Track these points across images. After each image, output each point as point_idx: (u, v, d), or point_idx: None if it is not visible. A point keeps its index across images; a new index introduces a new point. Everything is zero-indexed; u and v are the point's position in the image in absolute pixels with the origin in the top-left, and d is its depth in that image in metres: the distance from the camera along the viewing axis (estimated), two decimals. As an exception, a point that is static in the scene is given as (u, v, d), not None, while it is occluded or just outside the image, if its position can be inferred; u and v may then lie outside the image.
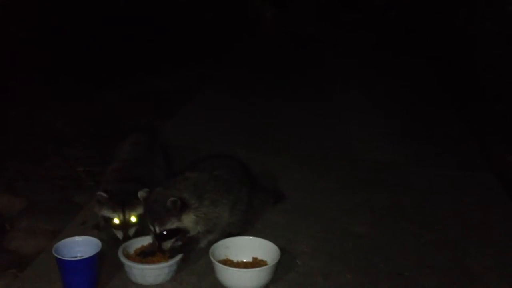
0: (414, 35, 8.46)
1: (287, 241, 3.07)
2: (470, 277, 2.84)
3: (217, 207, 2.89)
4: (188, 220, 2.76)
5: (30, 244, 3.07)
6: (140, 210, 2.85)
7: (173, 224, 2.71)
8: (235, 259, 2.82)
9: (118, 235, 2.87)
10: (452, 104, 5.70)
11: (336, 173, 4.02)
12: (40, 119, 4.96)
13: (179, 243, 2.78)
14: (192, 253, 2.85)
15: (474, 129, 4.98)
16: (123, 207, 2.85)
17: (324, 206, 3.52)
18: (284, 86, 6.21)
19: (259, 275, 2.64)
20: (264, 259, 2.79)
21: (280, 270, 2.77)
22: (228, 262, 2.77)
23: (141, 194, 2.78)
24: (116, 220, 2.86)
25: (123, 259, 2.68)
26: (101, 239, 2.66)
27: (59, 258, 2.49)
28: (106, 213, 2.87)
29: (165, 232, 2.71)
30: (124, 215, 2.85)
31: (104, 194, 2.84)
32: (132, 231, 2.88)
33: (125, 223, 2.86)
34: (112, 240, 2.87)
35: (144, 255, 2.74)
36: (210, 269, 2.73)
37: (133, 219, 2.88)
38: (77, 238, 2.67)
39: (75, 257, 2.59)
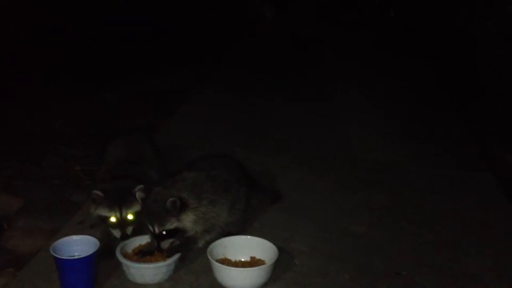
0: (414, 35, 8.46)
1: (285, 240, 3.07)
2: (469, 277, 2.84)
3: (216, 207, 2.89)
4: (187, 220, 2.76)
5: (27, 243, 3.06)
6: (136, 208, 2.84)
7: (172, 224, 2.71)
8: (233, 258, 2.82)
9: (115, 234, 2.85)
10: (452, 104, 5.69)
11: (335, 173, 4.02)
12: (40, 119, 4.95)
13: (177, 242, 2.78)
14: (190, 252, 2.85)
15: (474, 129, 4.97)
16: (120, 205, 2.82)
17: (323, 206, 3.52)
18: (284, 86, 6.21)
19: (257, 274, 2.64)
20: (262, 258, 2.79)
21: (278, 269, 2.76)
22: (226, 261, 2.77)
23: (139, 194, 2.78)
24: (113, 219, 2.84)
25: (121, 258, 2.68)
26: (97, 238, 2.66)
27: (57, 257, 2.49)
28: (102, 212, 2.84)
29: (164, 232, 2.70)
30: (121, 213, 2.83)
31: (99, 193, 2.82)
32: (129, 229, 2.86)
33: (122, 222, 2.84)
34: (108, 239, 2.87)
35: (142, 254, 2.74)
36: (208, 268, 2.72)
37: (130, 217, 2.85)
38: (74, 237, 2.67)
39: (73, 256, 2.59)
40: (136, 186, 2.83)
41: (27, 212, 3.36)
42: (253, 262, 2.79)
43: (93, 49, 6.45)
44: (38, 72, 5.81)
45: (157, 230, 2.69)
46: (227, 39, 8.21)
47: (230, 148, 4.13)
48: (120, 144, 3.37)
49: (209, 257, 2.67)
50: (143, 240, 2.84)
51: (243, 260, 2.82)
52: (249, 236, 2.91)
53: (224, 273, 2.64)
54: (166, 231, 2.70)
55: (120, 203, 2.83)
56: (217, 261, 2.68)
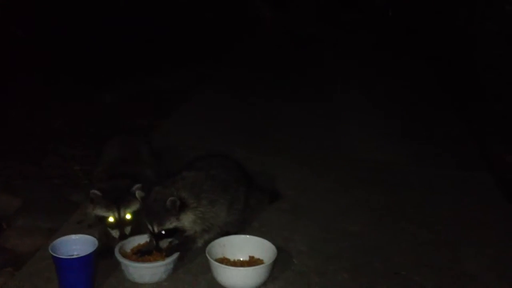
0: (414, 35, 8.46)
1: (284, 240, 3.07)
2: (468, 276, 2.84)
3: (215, 206, 2.89)
4: (186, 220, 2.76)
5: (26, 242, 3.06)
6: (134, 207, 2.83)
7: (171, 224, 2.71)
8: (231, 257, 2.82)
9: (114, 234, 2.84)
10: (452, 104, 5.70)
11: (335, 173, 4.02)
12: (40, 119, 4.95)
13: (176, 242, 2.78)
14: (189, 252, 2.85)
15: (474, 129, 4.98)
16: (118, 205, 2.81)
17: (322, 206, 3.53)
18: (284, 86, 6.22)
19: (255, 273, 2.64)
20: (261, 257, 2.79)
21: (277, 268, 2.77)
22: (224, 261, 2.78)
23: (139, 193, 2.78)
24: (111, 219, 2.82)
25: (120, 258, 2.68)
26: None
27: (56, 257, 2.49)
28: (100, 212, 2.83)
29: (163, 232, 2.70)
30: (119, 213, 2.81)
31: (97, 192, 2.80)
32: (128, 229, 2.85)
33: (121, 221, 2.83)
34: (107, 239, 2.86)
35: (141, 254, 2.74)
36: (206, 268, 2.72)
37: (128, 216, 2.84)
38: (73, 236, 2.67)
39: (72, 255, 2.58)
40: (133, 185, 2.82)
41: (26, 212, 3.36)
42: (252, 262, 2.79)
43: (93, 49, 6.44)
44: (38, 72, 5.81)
45: (156, 230, 2.69)
46: (227, 39, 8.20)
47: (230, 148, 4.12)
48: (117, 144, 3.37)
49: (208, 257, 2.67)
50: (142, 239, 2.84)
51: (242, 259, 2.82)
52: (248, 236, 2.91)
53: (223, 273, 2.64)
54: (165, 230, 2.70)
55: (118, 203, 2.81)
56: (216, 260, 2.69)
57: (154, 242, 2.71)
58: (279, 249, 2.77)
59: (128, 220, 2.84)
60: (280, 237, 3.09)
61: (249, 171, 3.45)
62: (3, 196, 3.50)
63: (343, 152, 4.46)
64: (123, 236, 2.82)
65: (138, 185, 2.82)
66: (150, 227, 2.70)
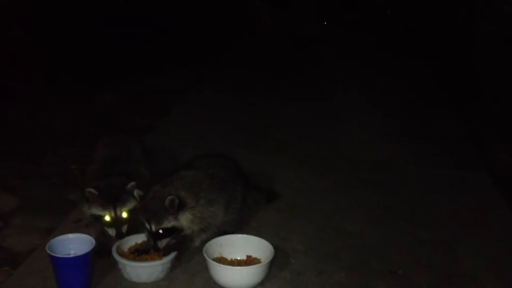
0: (413, 35, 8.47)
1: (281, 239, 3.08)
2: (465, 276, 2.85)
3: (213, 206, 2.90)
4: (184, 219, 2.77)
5: (24, 241, 3.06)
6: (130, 206, 2.84)
7: (169, 223, 2.72)
8: (229, 257, 2.82)
9: (110, 233, 2.84)
10: (450, 104, 5.70)
11: (334, 173, 4.03)
12: (40, 119, 4.96)
13: (174, 241, 2.78)
14: (186, 251, 2.85)
15: (472, 129, 4.98)
16: (114, 203, 2.81)
17: (320, 205, 3.53)
18: (284, 86, 6.23)
19: (253, 272, 2.65)
20: (258, 257, 2.80)
21: (274, 268, 2.77)
22: (222, 260, 2.78)
23: (137, 192, 2.78)
24: (108, 218, 2.82)
25: (117, 257, 2.68)
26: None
27: (53, 255, 2.50)
28: (96, 211, 2.82)
29: (161, 231, 2.71)
30: (115, 212, 2.81)
31: (93, 191, 2.80)
32: (124, 228, 2.84)
33: (117, 220, 2.83)
34: (104, 238, 2.87)
35: (138, 253, 2.75)
36: (204, 267, 2.73)
37: (124, 215, 2.84)
38: (70, 235, 2.68)
39: (69, 254, 2.59)
40: (128, 183, 2.83)
41: (24, 210, 3.37)
42: (249, 261, 2.80)
43: (93, 49, 6.45)
44: (38, 72, 5.82)
45: (154, 228, 2.70)
46: (227, 39, 8.21)
47: (230, 148, 4.14)
48: (108, 143, 3.36)
49: (205, 256, 2.67)
50: (139, 238, 2.85)
51: (239, 258, 2.82)
52: (245, 235, 2.91)
53: (220, 272, 2.64)
54: (163, 229, 2.71)
55: (114, 201, 2.81)
56: (213, 259, 2.69)
57: (152, 241, 2.72)
58: (276, 248, 2.77)
59: (124, 218, 2.84)
60: (278, 236, 3.09)
61: (248, 170, 3.47)
62: (0, 195, 3.51)
63: (343, 152, 4.47)
64: (120, 235, 2.82)
65: (133, 183, 2.82)
66: (148, 226, 2.71)
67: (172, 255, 2.74)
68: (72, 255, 2.57)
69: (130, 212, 2.84)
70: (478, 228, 3.33)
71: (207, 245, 2.77)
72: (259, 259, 2.77)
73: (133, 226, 2.86)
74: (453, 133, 4.91)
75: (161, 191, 2.76)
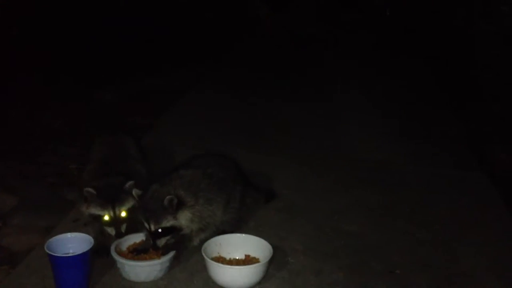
0: (413, 35, 8.47)
1: (280, 239, 3.08)
2: (464, 275, 2.85)
3: (212, 205, 2.90)
4: (183, 218, 2.77)
5: (22, 240, 3.07)
6: (129, 204, 2.83)
7: (168, 222, 2.72)
8: (227, 256, 2.82)
9: (110, 232, 2.83)
10: (449, 104, 5.70)
11: (333, 173, 4.03)
12: (40, 119, 4.96)
13: (172, 240, 2.78)
14: (185, 250, 2.86)
15: (471, 129, 4.98)
16: (113, 203, 2.80)
17: (319, 205, 3.53)
18: (284, 86, 6.22)
19: (251, 272, 2.65)
20: (257, 256, 2.80)
21: (273, 267, 2.78)
22: (220, 259, 2.78)
23: (136, 191, 2.78)
24: (107, 217, 2.81)
25: (116, 256, 2.68)
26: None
27: (51, 255, 2.50)
28: (95, 211, 2.81)
29: (160, 230, 2.71)
30: (114, 211, 2.80)
31: (92, 190, 2.79)
32: (123, 227, 2.84)
33: (116, 219, 2.82)
34: (101, 237, 2.87)
35: (137, 252, 2.75)
36: (202, 266, 2.73)
37: (123, 214, 2.83)
38: (69, 234, 2.67)
39: (67, 253, 2.59)
40: (126, 182, 2.83)
41: (22, 210, 3.37)
42: (248, 260, 2.80)
43: (93, 49, 6.46)
44: (38, 72, 5.82)
45: (153, 228, 2.70)
46: (227, 39, 8.21)
47: (229, 147, 4.13)
48: (104, 142, 3.35)
49: (204, 255, 2.67)
50: (138, 238, 2.85)
51: (237, 258, 2.82)
52: (244, 235, 2.91)
53: (219, 271, 2.65)
54: (162, 229, 2.71)
55: (113, 201, 2.80)
56: (212, 259, 2.69)
57: (151, 240, 2.72)
58: (275, 248, 2.77)
59: (123, 217, 2.83)
60: (276, 236, 3.09)
61: (248, 170, 3.47)
62: (-1, 194, 3.54)
63: (342, 152, 4.46)
64: (119, 234, 2.82)
65: (131, 182, 2.82)
66: (147, 225, 2.71)
67: (171, 254, 2.74)
68: (70, 254, 2.56)
69: (128, 211, 2.84)
70: (478, 228, 3.32)
71: (206, 244, 2.77)
72: (258, 259, 2.77)
73: (132, 225, 2.86)
74: (452, 133, 4.91)
75: (160, 190, 2.76)
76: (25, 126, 4.81)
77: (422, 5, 9.15)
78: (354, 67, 7.12)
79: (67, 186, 3.68)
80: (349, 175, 4.00)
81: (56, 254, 2.51)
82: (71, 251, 2.62)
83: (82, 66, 6.11)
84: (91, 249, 2.56)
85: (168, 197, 2.69)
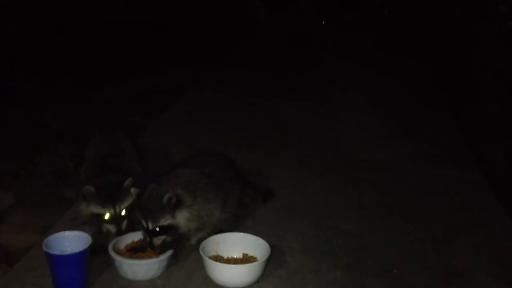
0: (412, 35, 8.48)
1: (278, 237, 3.08)
2: (460, 275, 2.85)
3: (210, 204, 2.91)
4: (181, 218, 2.78)
5: (20, 239, 3.08)
6: (128, 202, 2.83)
7: (166, 221, 2.73)
8: (225, 255, 2.83)
9: (111, 229, 2.84)
10: (448, 104, 5.70)
11: (332, 172, 4.03)
12: (40, 119, 4.97)
13: (170, 239, 2.79)
14: (183, 249, 2.86)
15: (470, 129, 4.98)
16: (113, 201, 2.80)
17: (317, 204, 3.54)
18: (283, 86, 6.23)
19: (249, 271, 2.66)
20: (254, 255, 2.80)
21: (270, 266, 2.78)
22: (218, 258, 2.79)
23: (134, 190, 2.79)
24: (107, 215, 2.82)
25: (114, 255, 2.69)
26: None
27: (49, 253, 2.50)
28: (95, 209, 2.82)
29: (157, 229, 2.72)
30: (114, 209, 2.81)
31: (91, 189, 2.78)
32: (124, 224, 2.84)
33: (117, 217, 2.82)
34: (100, 236, 2.88)
35: (135, 251, 2.76)
36: (200, 265, 2.73)
37: (124, 211, 2.84)
38: (67, 233, 2.68)
39: (65, 252, 2.59)
40: (125, 180, 2.83)
41: (20, 208, 3.38)
42: (245, 259, 2.81)
43: (93, 49, 6.47)
44: (38, 72, 5.83)
45: (150, 226, 2.71)
46: (227, 39, 8.22)
47: (229, 147, 4.13)
48: (99, 141, 3.35)
49: (202, 254, 2.68)
50: (136, 236, 2.85)
51: (235, 257, 2.83)
52: (241, 233, 2.92)
53: (217, 270, 2.65)
54: (159, 227, 2.72)
55: (113, 199, 2.80)
56: (210, 258, 2.70)
57: (148, 239, 2.73)
58: (272, 247, 2.78)
59: (123, 215, 2.84)
60: (274, 235, 3.10)
61: (247, 170, 3.49)
62: (-4, 193, 3.55)
63: (341, 152, 4.46)
64: (120, 231, 2.83)
65: (130, 179, 2.82)
66: (144, 223, 2.72)
67: (169, 253, 2.74)
68: (68, 253, 2.56)
69: (128, 209, 2.84)
70: (475, 228, 3.33)
71: (204, 243, 2.78)
72: (256, 258, 2.78)
73: (130, 223, 2.87)
74: (451, 133, 4.91)
75: (158, 189, 2.77)
76: (25, 126, 4.82)
77: (421, 5, 9.15)
78: (353, 67, 7.13)
79: (64, 185, 3.68)
80: (348, 175, 4.00)
81: (54, 253, 2.52)
82: (69, 249, 2.61)
83: (82, 66, 6.11)
84: (88, 247, 2.56)
85: (167, 195, 2.70)
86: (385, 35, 8.93)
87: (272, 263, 2.79)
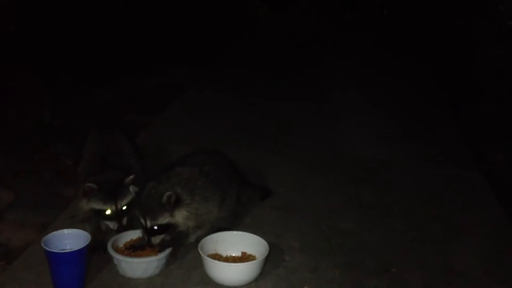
0: (412, 35, 8.48)
1: (276, 236, 3.08)
2: (458, 274, 2.86)
3: (208, 202, 2.91)
4: (179, 216, 2.78)
5: (19, 236, 3.08)
6: (129, 198, 2.84)
7: (165, 219, 2.73)
8: (224, 253, 2.83)
9: (112, 226, 2.85)
10: (448, 104, 5.70)
11: (332, 172, 4.03)
12: (40, 119, 4.97)
13: (168, 237, 2.79)
14: (182, 247, 2.87)
15: (469, 129, 4.98)
16: (115, 197, 2.81)
17: (316, 203, 3.54)
18: (283, 86, 6.23)
19: (247, 269, 2.66)
20: (253, 253, 2.81)
21: (269, 265, 2.78)
22: (217, 257, 2.79)
23: (133, 188, 2.79)
24: (109, 211, 2.83)
25: (112, 253, 2.69)
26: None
27: (48, 251, 2.50)
28: (97, 205, 2.82)
29: (156, 227, 2.72)
30: (116, 205, 2.82)
31: (93, 186, 2.79)
32: (125, 220, 2.86)
33: (118, 213, 2.83)
34: (98, 233, 2.89)
35: (134, 249, 2.76)
36: (199, 263, 2.73)
37: (125, 208, 2.85)
38: (66, 230, 2.67)
39: (64, 249, 2.59)
40: (126, 176, 2.84)
41: (19, 206, 3.39)
42: (244, 258, 2.81)
43: (93, 48, 6.47)
44: (38, 72, 5.83)
45: (149, 225, 2.71)
46: (227, 39, 8.22)
47: (229, 146, 4.13)
48: (97, 138, 3.35)
49: (200, 252, 2.68)
50: (135, 234, 2.85)
51: (234, 255, 2.83)
52: (240, 232, 2.92)
53: (215, 268, 2.66)
54: (158, 226, 2.72)
55: (114, 195, 2.81)
56: (208, 256, 2.70)
57: (147, 237, 2.73)
58: (271, 245, 2.77)
59: (124, 211, 2.85)
60: (273, 233, 3.10)
61: (247, 169, 3.49)
62: (-6, 190, 3.55)
63: (341, 152, 4.46)
64: (121, 227, 2.84)
65: (132, 176, 2.83)
66: (143, 221, 2.72)
67: (168, 251, 2.75)
68: (67, 250, 2.56)
69: (129, 205, 2.85)
70: (474, 228, 3.33)
71: (202, 241, 2.78)
72: (254, 256, 2.78)
73: (130, 221, 2.88)
74: (450, 133, 4.91)
75: (157, 187, 2.77)
76: (25, 125, 4.81)
77: (421, 5, 9.16)
78: (353, 67, 7.13)
79: (63, 183, 3.69)
80: (347, 174, 4.00)
81: (53, 250, 2.51)
82: (68, 247, 2.61)
83: (82, 66, 6.11)
84: (87, 245, 2.56)
85: (167, 193, 2.70)
86: (385, 35, 8.93)
87: (270, 262, 2.80)
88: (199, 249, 2.70)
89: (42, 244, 2.52)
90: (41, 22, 6.39)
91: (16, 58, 5.83)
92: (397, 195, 3.71)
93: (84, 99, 5.41)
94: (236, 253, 2.84)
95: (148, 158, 3.60)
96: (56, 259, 2.51)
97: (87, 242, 2.57)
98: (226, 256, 2.83)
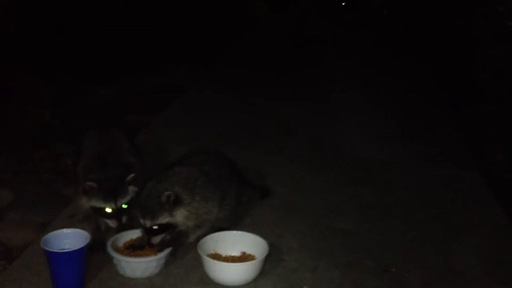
0: (412, 35, 8.48)
1: (276, 236, 3.08)
2: (457, 274, 2.86)
3: (208, 202, 2.91)
4: (179, 215, 2.78)
5: (18, 236, 3.08)
6: (129, 196, 2.84)
7: (164, 219, 2.73)
8: (223, 253, 2.83)
9: (111, 224, 2.85)
10: (448, 104, 5.70)
11: (331, 172, 4.03)
12: (40, 118, 4.97)
13: (168, 237, 2.79)
14: (181, 247, 2.86)
15: (469, 129, 4.98)
16: (115, 195, 2.81)
17: (316, 204, 3.54)
18: (283, 86, 6.23)
19: (247, 269, 2.66)
20: (253, 253, 2.81)
21: (268, 264, 2.78)
22: (216, 256, 2.79)
23: (132, 188, 2.80)
24: (109, 210, 2.82)
25: (112, 252, 2.69)
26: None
27: (48, 250, 2.50)
28: (97, 203, 2.82)
29: (155, 227, 2.72)
30: (116, 204, 2.81)
31: (93, 184, 2.79)
32: (125, 218, 2.85)
33: (118, 211, 2.83)
34: (98, 233, 2.88)
35: (133, 249, 2.76)
36: (198, 263, 2.74)
37: (125, 206, 2.84)
38: (65, 230, 2.67)
39: (63, 249, 2.59)
40: (127, 175, 2.83)
41: (18, 205, 3.39)
42: (244, 257, 2.81)
43: (93, 48, 6.48)
44: (38, 72, 5.83)
45: (148, 224, 2.71)
46: (227, 39, 8.22)
47: (229, 146, 4.13)
48: (95, 137, 3.35)
49: (200, 252, 2.68)
50: (135, 234, 2.85)
51: (233, 255, 2.83)
52: (240, 232, 2.92)
53: (215, 268, 2.66)
54: (158, 225, 2.72)
55: (115, 193, 2.81)
56: (208, 256, 2.70)
57: (146, 237, 2.73)
58: (270, 245, 2.77)
59: (124, 209, 2.85)
60: (272, 233, 3.10)
61: (246, 169, 3.49)
62: (-6, 190, 3.56)
63: (341, 152, 4.46)
64: (121, 226, 2.83)
65: (132, 175, 2.83)
66: (142, 221, 2.72)
67: (167, 250, 2.75)
68: (67, 250, 2.56)
69: (129, 203, 2.85)
70: (474, 228, 3.33)
71: (202, 241, 2.78)
72: (254, 256, 2.78)
73: (129, 221, 2.87)
74: (450, 133, 4.91)
75: (156, 187, 2.77)
76: (25, 125, 4.82)
77: (421, 5, 9.16)
78: (353, 67, 7.13)
79: (63, 182, 3.69)
80: (347, 174, 4.00)
81: (52, 250, 2.51)
82: (67, 246, 2.61)
83: (82, 66, 6.12)
84: (87, 245, 2.56)
85: (166, 193, 2.70)
86: (385, 35, 8.93)
87: (270, 262, 2.80)
88: (198, 248, 2.70)
89: (42, 244, 2.52)
90: (41, 22, 6.40)
91: (16, 58, 5.83)
92: (397, 195, 3.71)
93: (84, 99, 5.42)
94: (235, 253, 2.84)
95: (148, 158, 3.59)
96: (56, 259, 2.51)
97: (87, 242, 2.57)
98: (226, 256, 2.82)
